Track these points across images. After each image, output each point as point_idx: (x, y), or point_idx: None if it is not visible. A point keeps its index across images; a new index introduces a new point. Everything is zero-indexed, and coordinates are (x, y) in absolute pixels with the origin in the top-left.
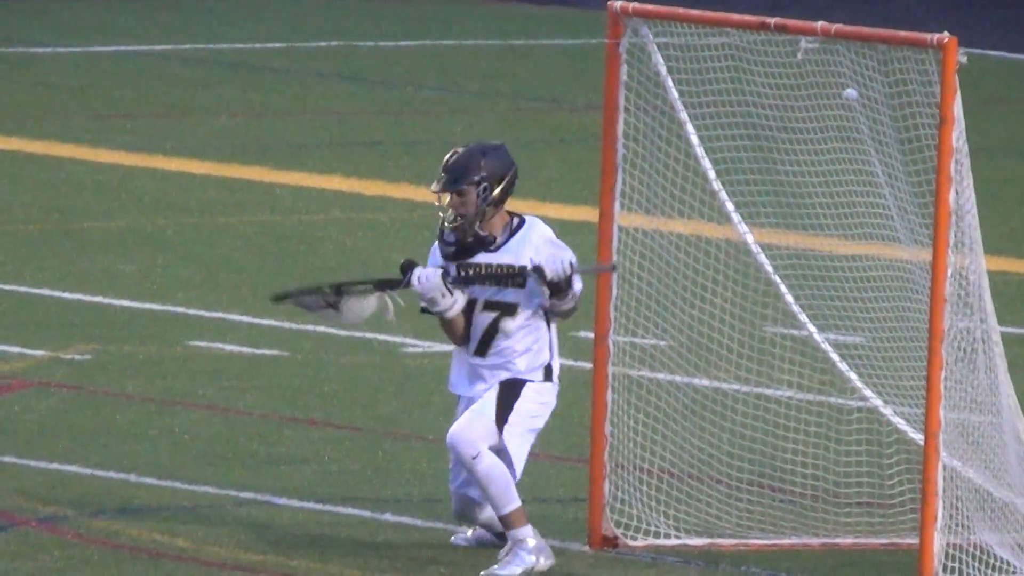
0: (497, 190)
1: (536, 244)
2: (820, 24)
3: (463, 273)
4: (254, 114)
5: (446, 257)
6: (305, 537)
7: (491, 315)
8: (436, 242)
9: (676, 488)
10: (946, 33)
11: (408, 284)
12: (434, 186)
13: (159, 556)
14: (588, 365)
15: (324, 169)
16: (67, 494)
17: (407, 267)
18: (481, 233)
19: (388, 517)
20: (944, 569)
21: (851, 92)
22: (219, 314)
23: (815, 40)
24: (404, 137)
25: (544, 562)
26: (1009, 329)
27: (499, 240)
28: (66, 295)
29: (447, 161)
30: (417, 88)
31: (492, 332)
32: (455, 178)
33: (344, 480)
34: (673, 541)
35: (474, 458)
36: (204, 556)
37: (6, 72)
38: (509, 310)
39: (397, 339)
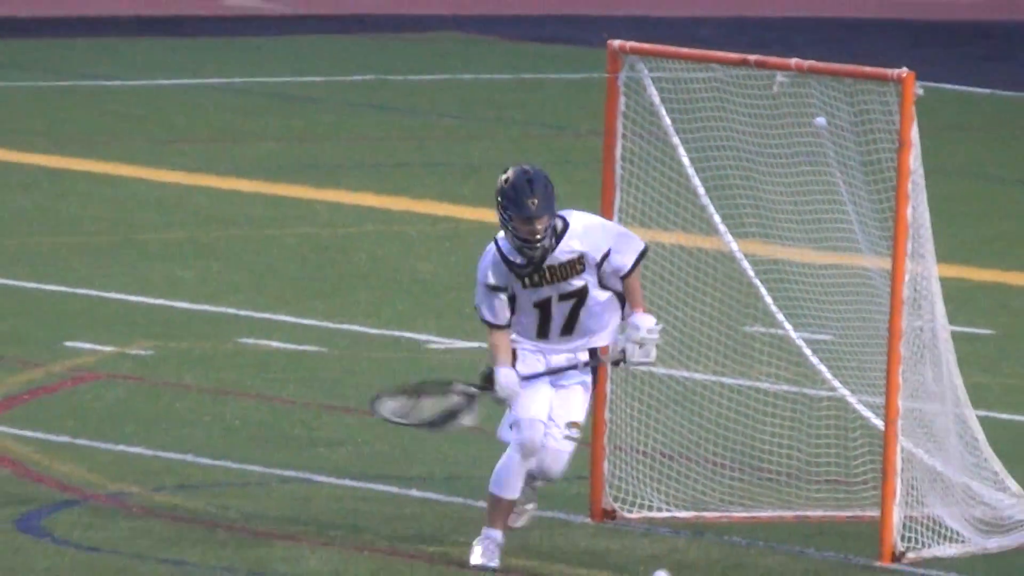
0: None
1: (581, 235)
2: (794, 61)
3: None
4: (295, 139)
5: (520, 276)
6: (341, 510)
7: (568, 303)
8: (497, 259)
9: (667, 467)
10: (905, 68)
11: (490, 389)
12: (535, 211)
13: (213, 527)
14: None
15: (357, 187)
16: (132, 472)
17: (488, 376)
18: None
19: (414, 492)
20: (902, 539)
21: (821, 120)
22: (265, 314)
23: (789, 74)
24: (427, 159)
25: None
26: (959, 328)
27: (554, 245)
28: (131, 298)
29: (533, 188)
30: (439, 116)
31: (574, 317)
32: (549, 203)
33: (375, 460)
34: (664, 514)
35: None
36: (253, 527)
37: (79, 102)
38: (583, 294)
39: (422, 336)
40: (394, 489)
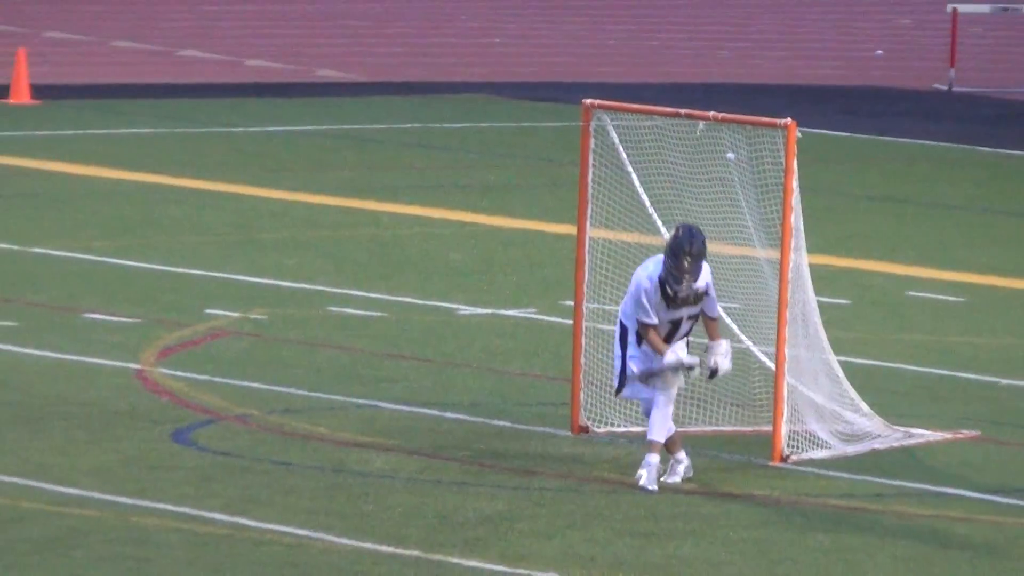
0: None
1: (708, 277)
2: (712, 113)
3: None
4: (365, 168)
5: (669, 305)
6: (398, 426)
7: (692, 322)
8: (653, 291)
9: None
10: (789, 119)
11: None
12: (687, 268)
13: (308, 439)
14: (570, 321)
15: (408, 201)
16: (252, 400)
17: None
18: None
19: (448, 414)
20: (788, 446)
21: (731, 156)
22: (344, 290)
23: (708, 123)
24: (457, 182)
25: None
26: (825, 299)
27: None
28: (251, 279)
29: (693, 249)
30: (466, 152)
31: (687, 331)
32: (699, 262)
33: (421, 392)
34: (622, 429)
35: None
36: (336, 438)
37: (214, 143)
38: (698, 316)
39: (453, 305)
40: (435, 412)
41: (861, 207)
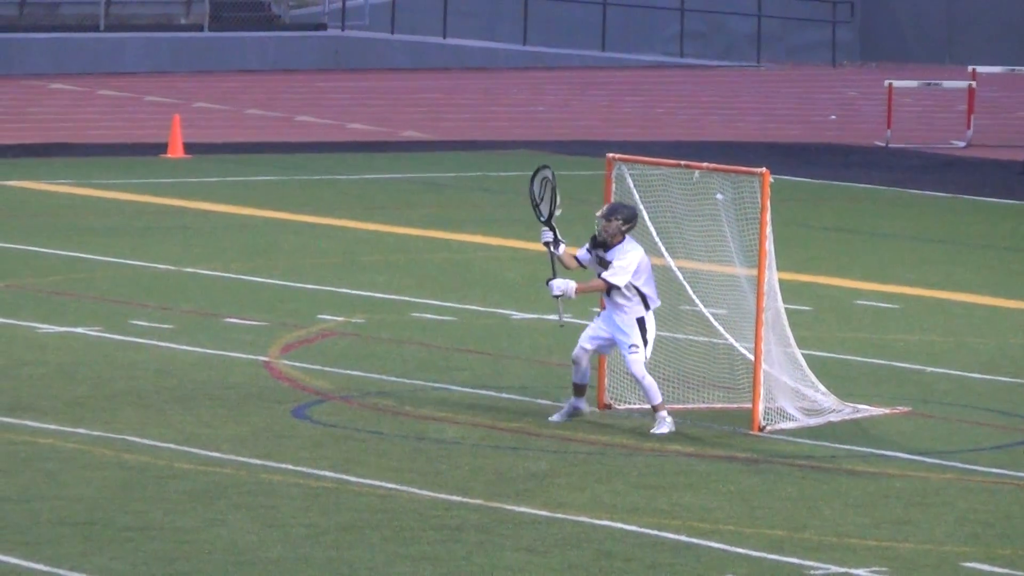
0: (625, 226)
1: (621, 252)
2: (705, 164)
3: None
4: (438, 206)
5: (592, 247)
6: (465, 404)
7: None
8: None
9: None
10: (764, 168)
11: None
12: (598, 212)
13: (396, 414)
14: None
15: (472, 232)
16: (353, 385)
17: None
18: (610, 242)
19: (503, 395)
20: (764, 418)
21: (719, 196)
22: (423, 300)
23: (702, 172)
24: (511, 218)
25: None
26: (792, 307)
27: (613, 247)
28: (351, 291)
29: (608, 206)
30: (515, 195)
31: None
32: (607, 214)
33: (482, 377)
34: (637, 406)
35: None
36: (417, 414)
37: (325, 188)
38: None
39: (508, 312)
40: (493, 393)
41: (819, 236)
